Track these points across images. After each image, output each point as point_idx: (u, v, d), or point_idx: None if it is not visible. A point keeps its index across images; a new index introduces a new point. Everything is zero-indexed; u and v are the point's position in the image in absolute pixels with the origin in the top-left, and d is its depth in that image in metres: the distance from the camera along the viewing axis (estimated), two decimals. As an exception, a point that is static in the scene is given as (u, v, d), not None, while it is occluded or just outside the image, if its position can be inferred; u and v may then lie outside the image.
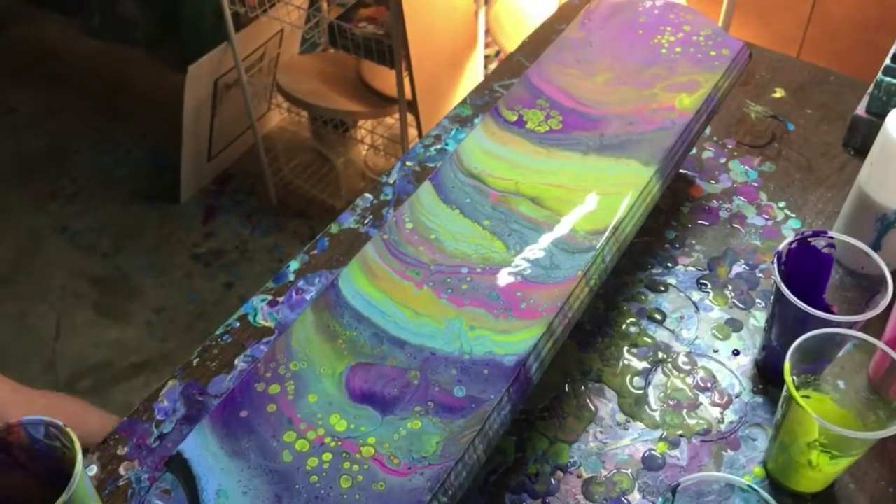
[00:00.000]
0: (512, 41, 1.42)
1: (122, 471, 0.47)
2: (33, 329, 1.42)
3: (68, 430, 0.39)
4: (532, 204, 0.48)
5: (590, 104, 0.55)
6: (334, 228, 0.61)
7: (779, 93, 0.72)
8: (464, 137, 0.57)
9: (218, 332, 0.54)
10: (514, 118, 0.54)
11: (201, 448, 0.39)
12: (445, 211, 0.49)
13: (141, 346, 1.39)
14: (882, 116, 0.63)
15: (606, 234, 0.46)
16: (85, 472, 0.39)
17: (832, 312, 0.49)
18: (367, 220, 0.61)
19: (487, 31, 1.48)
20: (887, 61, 0.63)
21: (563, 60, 0.58)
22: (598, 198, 0.48)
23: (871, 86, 0.64)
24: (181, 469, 0.38)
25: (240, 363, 0.52)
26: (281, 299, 0.56)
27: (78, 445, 0.39)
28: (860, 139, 0.66)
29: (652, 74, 0.56)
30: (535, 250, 0.46)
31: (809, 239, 0.49)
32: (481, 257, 0.46)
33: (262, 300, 0.56)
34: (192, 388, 0.51)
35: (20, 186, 1.67)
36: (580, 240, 0.46)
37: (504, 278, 0.45)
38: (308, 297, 0.56)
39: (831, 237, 0.49)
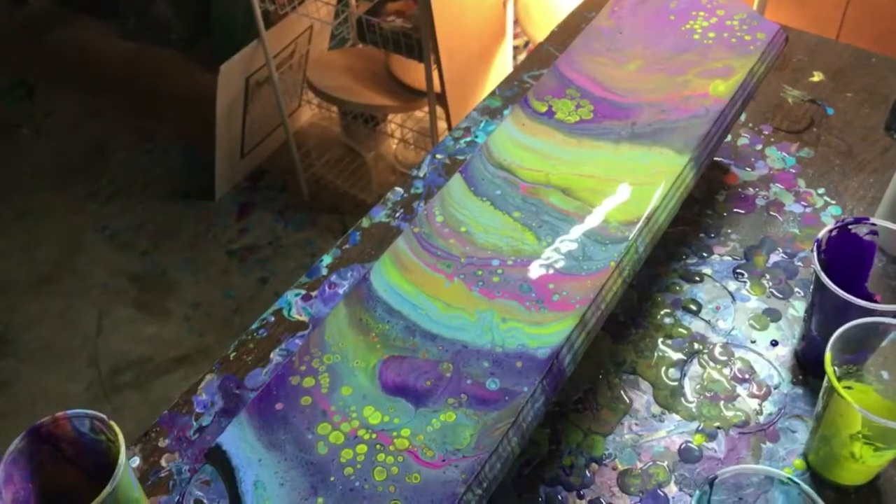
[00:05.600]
0: (541, 31, 1.40)
1: (163, 462, 0.48)
2: (76, 325, 1.46)
3: (112, 423, 0.40)
4: (563, 195, 0.48)
5: (621, 93, 0.54)
6: (366, 223, 0.61)
7: (817, 76, 0.70)
8: (493, 129, 0.57)
9: (253, 327, 0.55)
10: (544, 109, 0.54)
11: (239, 440, 0.40)
12: (476, 203, 0.48)
13: (179, 341, 1.42)
14: (926, 98, 0.61)
15: (639, 224, 0.46)
16: (128, 463, 0.40)
17: (875, 301, 0.47)
18: (398, 214, 0.62)
19: (516, 22, 1.47)
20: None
21: (593, 49, 0.57)
22: (630, 188, 0.48)
23: (915, 67, 0.62)
24: (220, 461, 0.39)
25: (275, 357, 0.53)
26: (314, 293, 0.57)
27: (122, 438, 0.40)
28: (903, 122, 0.64)
29: (685, 61, 0.55)
30: (567, 242, 0.46)
31: (850, 226, 0.48)
32: (512, 249, 0.46)
33: (296, 295, 0.57)
34: (230, 381, 0.52)
35: (61, 188, 1.71)
36: (613, 231, 0.46)
37: (536, 270, 0.44)
38: (341, 291, 0.57)
39: (873, 224, 0.47)
